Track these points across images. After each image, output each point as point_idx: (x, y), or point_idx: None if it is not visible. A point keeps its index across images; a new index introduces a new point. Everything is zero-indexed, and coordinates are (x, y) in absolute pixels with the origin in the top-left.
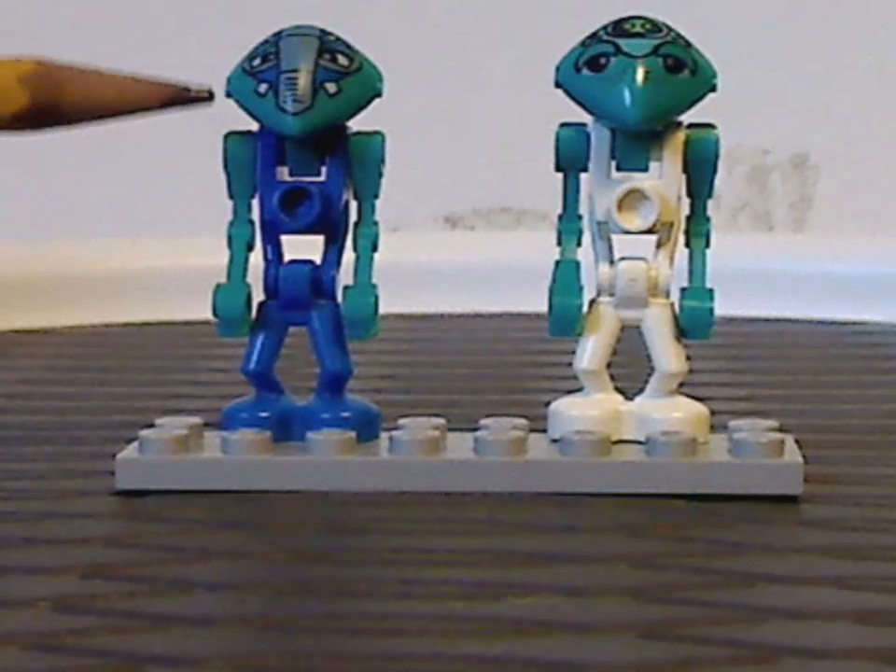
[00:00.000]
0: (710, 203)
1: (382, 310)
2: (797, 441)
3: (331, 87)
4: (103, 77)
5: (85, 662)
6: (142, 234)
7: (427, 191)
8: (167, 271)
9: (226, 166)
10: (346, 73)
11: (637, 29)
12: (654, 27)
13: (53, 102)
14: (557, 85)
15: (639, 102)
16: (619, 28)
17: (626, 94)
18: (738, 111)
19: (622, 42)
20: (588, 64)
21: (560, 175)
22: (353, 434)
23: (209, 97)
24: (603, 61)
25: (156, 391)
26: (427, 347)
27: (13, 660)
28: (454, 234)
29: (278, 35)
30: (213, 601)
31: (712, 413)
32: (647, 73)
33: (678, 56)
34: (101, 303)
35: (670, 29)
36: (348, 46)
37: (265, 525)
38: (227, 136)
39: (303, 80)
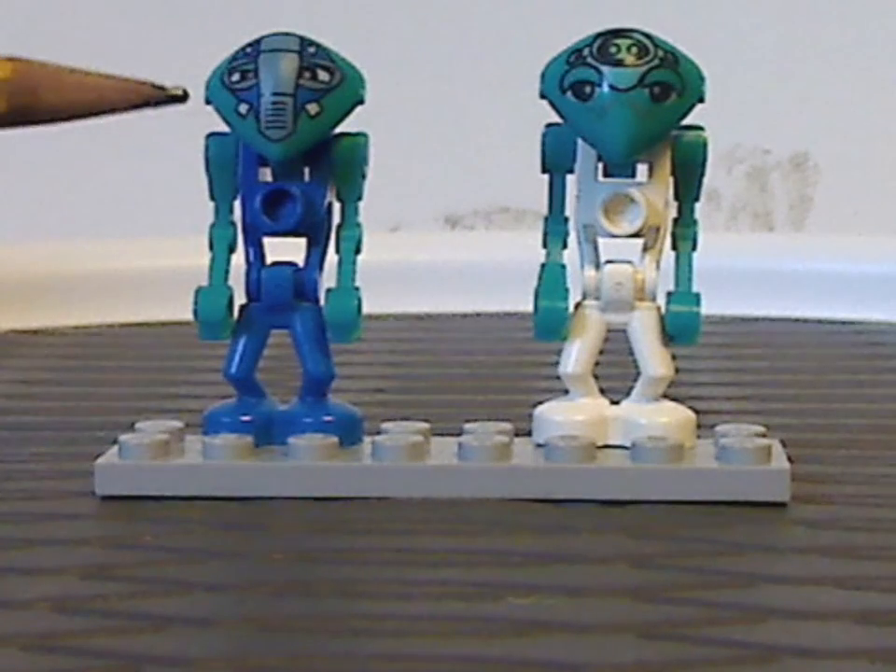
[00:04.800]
0: (698, 206)
1: (380, 310)
2: (797, 441)
3: (313, 108)
4: (78, 77)
5: (85, 663)
6: (141, 234)
7: (426, 191)
8: (167, 271)
9: (207, 167)
10: (328, 89)
11: (623, 54)
12: (641, 48)
13: (29, 105)
14: (542, 96)
15: (624, 140)
16: (604, 50)
17: (611, 133)
18: (738, 111)
19: (606, 71)
20: (573, 89)
21: (546, 177)
22: (335, 439)
23: (184, 97)
24: (588, 90)
25: (155, 391)
26: (425, 348)
27: (13, 661)
28: (454, 234)
29: (256, 46)
30: (212, 602)
31: (711, 413)
32: (632, 109)
33: (665, 81)
34: (101, 303)
35: (657, 45)
36: (328, 55)
37: (264, 526)
38: (208, 137)
39: (284, 107)
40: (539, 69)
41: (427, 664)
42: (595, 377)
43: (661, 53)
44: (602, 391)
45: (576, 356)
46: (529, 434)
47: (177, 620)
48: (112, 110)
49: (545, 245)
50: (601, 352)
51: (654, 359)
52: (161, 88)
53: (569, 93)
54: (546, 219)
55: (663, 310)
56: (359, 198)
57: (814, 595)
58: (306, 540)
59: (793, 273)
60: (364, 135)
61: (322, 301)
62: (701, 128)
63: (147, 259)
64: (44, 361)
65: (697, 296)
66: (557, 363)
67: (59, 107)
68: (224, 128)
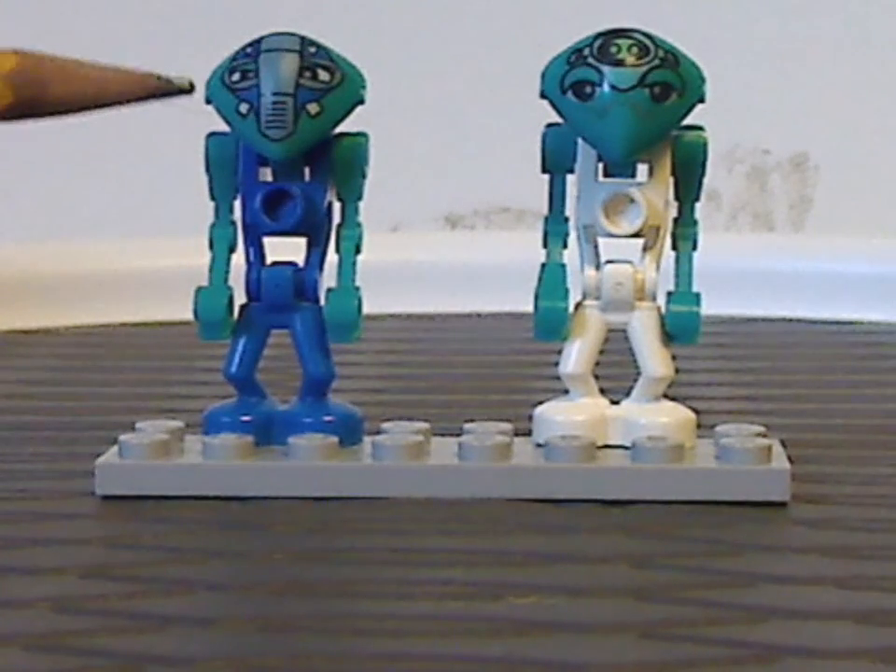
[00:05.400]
0: (698, 206)
1: (380, 310)
2: (797, 441)
3: (313, 108)
4: (84, 69)
5: (86, 662)
6: (141, 234)
7: (427, 191)
8: (167, 271)
9: (208, 167)
10: (328, 89)
11: (623, 54)
12: (641, 48)
13: (36, 97)
14: (543, 96)
15: (624, 140)
16: (605, 50)
17: (611, 133)
18: (738, 111)
19: (607, 71)
20: (573, 89)
21: (546, 177)
22: (335, 439)
23: (190, 89)
24: (588, 89)
25: (155, 391)
26: (425, 348)
27: (14, 660)
28: (454, 234)
29: (257, 46)
30: (213, 601)
31: (711, 413)
32: (632, 109)
33: (665, 82)
34: (101, 303)
35: (658, 45)
36: (329, 55)
37: (265, 526)
38: (208, 137)
39: (285, 107)
40: (539, 69)
41: (426, 664)
42: (595, 377)
43: (661, 53)
44: (602, 391)
45: (576, 356)
46: (529, 434)
47: (178, 619)
48: (117, 102)
49: (545, 245)
50: (601, 352)
51: (654, 359)
52: (168, 80)
53: (570, 93)
54: (546, 219)
55: (663, 310)
56: (359, 198)
57: (814, 595)
58: (306, 540)
59: (793, 273)
60: (364, 135)
61: (322, 301)
62: (701, 128)
63: (147, 259)
64: (44, 361)
65: (697, 296)
66: (557, 363)
67: (65, 100)
68: (224, 128)
